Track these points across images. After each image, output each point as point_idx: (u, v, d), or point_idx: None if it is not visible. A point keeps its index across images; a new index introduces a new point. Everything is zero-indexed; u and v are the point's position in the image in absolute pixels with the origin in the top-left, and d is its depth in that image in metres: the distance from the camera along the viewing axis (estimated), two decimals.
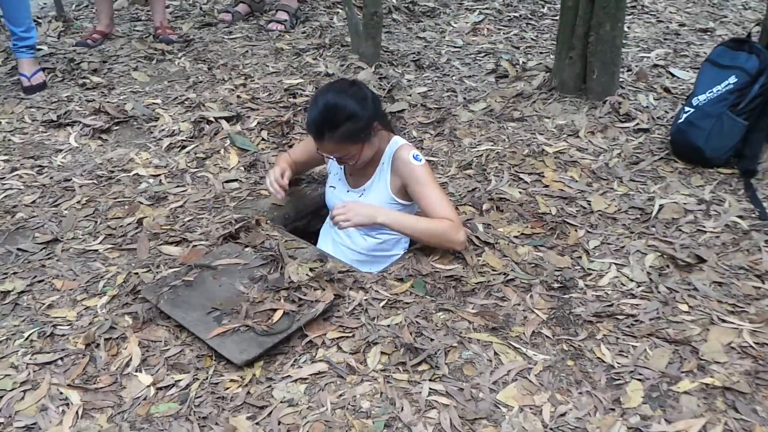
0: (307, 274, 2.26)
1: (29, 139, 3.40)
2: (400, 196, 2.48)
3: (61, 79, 4.04)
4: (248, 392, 1.89)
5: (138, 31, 4.83)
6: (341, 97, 2.32)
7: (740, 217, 2.58)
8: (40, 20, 4.97)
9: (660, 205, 2.65)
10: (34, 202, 2.87)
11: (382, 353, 2.01)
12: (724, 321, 2.10)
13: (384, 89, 3.64)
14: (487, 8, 5.12)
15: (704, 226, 2.54)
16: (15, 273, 2.42)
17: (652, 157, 3.00)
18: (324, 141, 2.33)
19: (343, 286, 2.26)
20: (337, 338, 2.07)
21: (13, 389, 1.92)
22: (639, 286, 2.28)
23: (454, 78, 3.94)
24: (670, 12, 4.87)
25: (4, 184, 3.00)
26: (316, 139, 2.37)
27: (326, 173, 2.76)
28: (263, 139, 3.31)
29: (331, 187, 2.67)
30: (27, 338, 2.11)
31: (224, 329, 2.04)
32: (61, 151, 3.29)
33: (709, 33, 4.47)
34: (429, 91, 3.76)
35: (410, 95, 3.66)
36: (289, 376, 1.95)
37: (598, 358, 2.00)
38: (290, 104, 3.58)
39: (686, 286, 2.25)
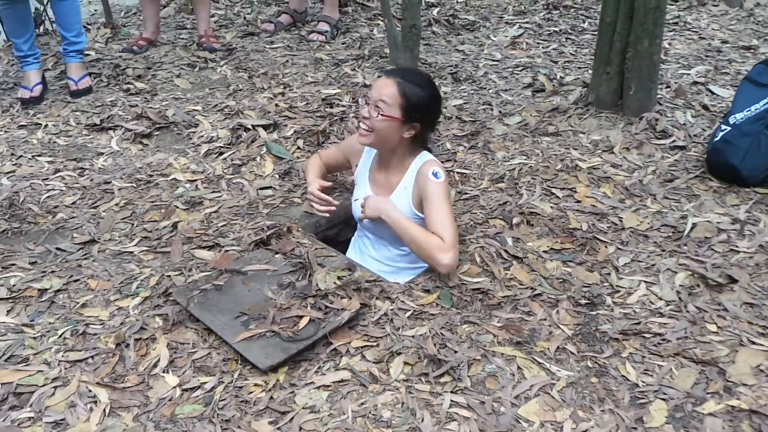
0: (334, 283, 2.28)
1: (73, 142, 3.49)
2: (420, 211, 2.50)
3: (106, 84, 4.14)
4: (271, 397, 1.92)
5: (183, 38, 4.93)
6: (431, 81, 2.55)
7: None
8: (89, 26, 5.10)
9: (693, 224, 2.63)
10: (74, 203, 2.95)
11: (406, 363, 2.03)
12: (753, 343, 2.07)
13: (441, 113, 3.66)
14: (527, 22, 5.12)
15: (737, 246, 2.51)
16: (53, 272, 2.49)
17: (687, 174, 2.97)
18: (390, 79, 2.43)
19: (369, 295, 2.28)
20: (362, 347, 2.09)
21: (44, 385, 1.97)
22: (668, 305, 2.26)
23: (490, 91, 3.94)
24: (713, 29, 4.81)
25: (48, 184, 3.09)
26: (386, 74, 2.47)
27: (354, 182, 2.79)
28: (299, 148, 3.36)
29: (356, 200, 2.69)
30: (60, 336, 2.17)
31: (251, 334, 2.08)
32: (102, 154, 3.37)
33: (752, 51, 4.41)
34: (465, 103, 3.77)
35: (446, 107, 3.68)
36: (312, 382, 1.97)
37: (623, 376, 1.99)
38: (327, 114, 3.62)
39: (716, 307, 2.23)
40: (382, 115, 2.40)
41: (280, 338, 2.06)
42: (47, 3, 4.83)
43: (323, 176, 2.86)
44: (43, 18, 5.01)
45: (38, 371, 2.03)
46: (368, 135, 2.48)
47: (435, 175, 2.43)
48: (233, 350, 2.07)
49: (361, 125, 2.49)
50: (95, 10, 6.09)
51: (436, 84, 2.57)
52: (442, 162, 3.11)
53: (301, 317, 2.14)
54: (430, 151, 2.61)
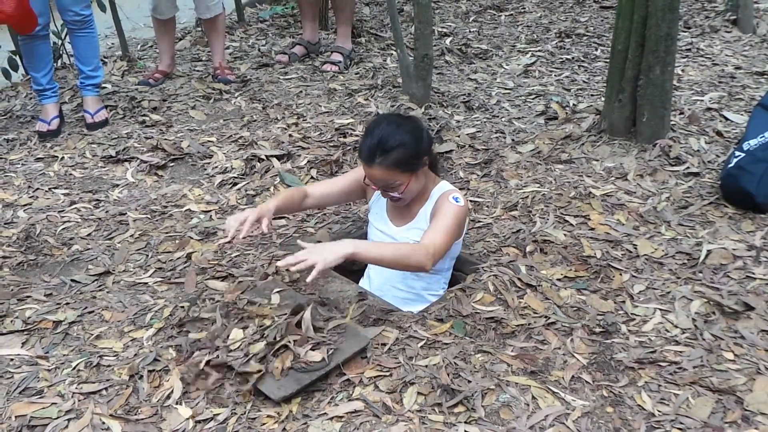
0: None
1: (89, 174, 3.53)
2: None
3: (122, 116, 4.19)
4: (284, 428, 1.91)
5: (198, 71, 4.99)
6: (397, 125, 2.42)
7: None
8: (106, 59, 5.17)
9: (708, 251, 2.61)
10: (89, 234, 2.98)
11: (419, 393, 2.01)
12: None
13: (433, 130, 3.67)
14: (539, 50, 5.15)
15: (753, 273, 2.48)
16: (67, 303, 2.51)
17: (701, 201, 2.95)
18: (374, 165, 2.36)
19: (382, 325, 2.28)
20: (375, 377, 2.08)
21: (58, 417, 1.98)
22: (683, 333, 2.23)
23: (503, 119, 3.96)
24: (726, 55, 4.81)
25: (63, 216, 3.12)
26: (366, 162, 2.39)
27: (368, 211, 2.79)
28: (312, 178, 3.37)
29: (374, 226, 2.70)
30: (74, 368, 2.18)
31: (260, 367, 2.07)
32: (118, 185, 3.41)
33: (766, 76, 4.39)
34: (478, 132, 3.78)
35: (459, 136, 3.69)
36: (325, 413, 1.96)
37: (639, 405, 1.97)
38: (340, 143, 3.64)
39: (732, 334, 2.20)
40: (400, 192, 2.42)
41: (293, 369, 2.06)
42: (65, 37, 4.91)
43: (293, 208, 2.73)
44: (61, 52, 5.09)
45: (52, 404, 2.03)
46: (401, 201, 2.51)
47: (455, 199, 2.45)
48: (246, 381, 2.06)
49: (392, 200, 2.53)
50: (112, 44, 6.18)
51: (414, 121, 2.51)
52: None
53: (314, 348, 2.13)
54: (439, 174, 2.62)
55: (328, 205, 2.93)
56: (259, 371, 2.04)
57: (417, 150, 2.40)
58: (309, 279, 2.12)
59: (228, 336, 2.18)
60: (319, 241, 2.84)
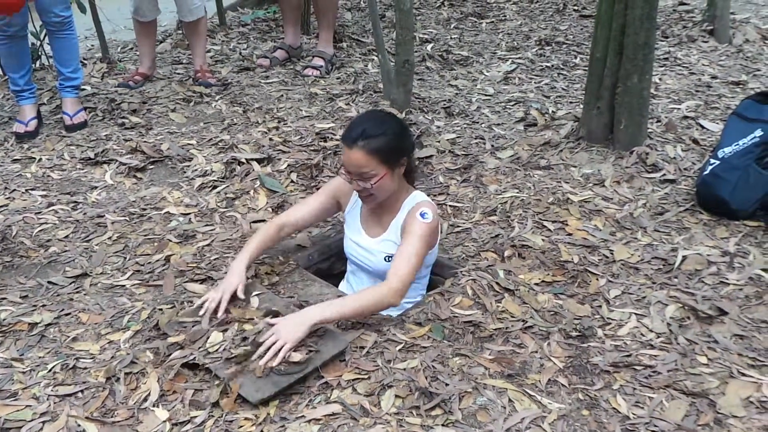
0: None
1: (67, 176, 3.51)
2: None
3: (101, 118, 4.17)
4: (261, 431, 1.91)
5: (179, 73, 4.97)
6: (385, 118, 2.50)
7: (765, 270, 2.55)
8: (85, 61, 5.14)
9: (683, 256, 2.64)
10: (67, 236, 2.96)
11: (397, 396, 2.02)
12: (743, 375, 2.07)
13: (413, 135, 3.68)
14: (519, 58, 5.18)
15: (727, 279, 2.52)
16: (44, 305, 2.49)
17: (677, 208, 2.99)
18: (355, 148, 2.35)
19: (361, 328, 2.29)
20: (353, 380, 2.09)
21: (32, 420, 1.96)
22: (658, 337, 2.26)
23: (483, 125, 3.98)
24: (703, 64, 4.87)
25: (41, 218, 3.09)
26: (348, 144, 2.37)
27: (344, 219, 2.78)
28: (292, 181, 3.38)
29: (348, 238, 2.69)
30: (50, 370, 2.16)
31: (241, 367, 2.07)
32: (96, 188, 3.39)
33: (741, 86, 4.46)
34: (458, 137, 3.80)
35: (439, 141, 3.71)
36: (303, 416, 1.96)
37: (614, 408, 1.98)
38: (321, 148, 3.64)
39: (706, 339, 2.23)
40: (373, 183, 2.39)
41: (271, 371, 2.06)
42: (44, 38, 4.88)
43: (271, 245, 2.67)
44: (40, 53, 5.05)
45: (26, 406, 2.02)
46: (371, 198, 2.47)
47: (422, 215, 2.42)
48: (224, 384, 2.06)
49: (361, 195, 2.48)
50: (92, 45, 6.14)
51: (399, 119, 2.55)
52: (435, 195, 3.14)
53: (292, 351, 2.13)
54: (413, 184, 2.63)
55: (306, 227, 2.87)
56: (236, 372, 2.04)
57: (399, 145, 2.42)
58: (276, 362, 2.08)
59: (207, 339, 2.18)
60: (300, 245, 2.85)
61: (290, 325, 2.15)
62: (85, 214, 3.12)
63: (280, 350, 2.09)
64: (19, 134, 3.93)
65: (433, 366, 2.13)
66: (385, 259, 2.52)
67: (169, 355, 2.18)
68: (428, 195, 3.04)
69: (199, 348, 2.17)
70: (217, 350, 2.15)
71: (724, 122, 3.57)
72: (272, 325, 2.18)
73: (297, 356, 2.10)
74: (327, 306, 2.24)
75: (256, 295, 2.38)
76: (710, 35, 5.41)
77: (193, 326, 2.28)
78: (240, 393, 2.01)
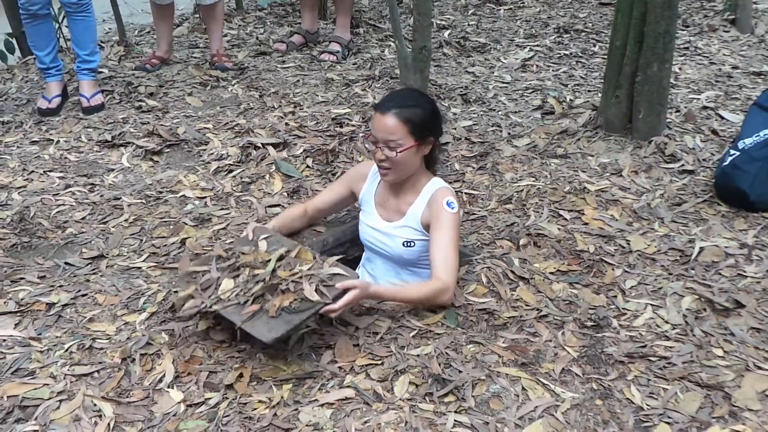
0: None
1: (84, 158, 3.52)
2: (427, 230, 2.49)
3: (118, 101, 4.18)
4: (275, 414, 1.92)
5: (195, 57, 4.98)
6: (420, 94, 2.55)
7: None
8: (103, 44, 5.16)
9: (701, 248, 2.62)
10: (84, 218, 2.97)
11: (410, 383, 2.02)
12: (759, 368, 2.06)
13: (445, 121, 3.67)
14: (537, 45, 5.15)
15: (745, 271, 2.50)
16: (61, 286, 2.51)
17: (695, 199, 2.96)
18: (387, 113, 2.37)
19: (375, 314, 2.29)
20: (366, 365, 2.09)
21: (50, 398, 1.98)
22: (674, 329, 2.25)
23: (499, 113, 3.96)
24: (724, 54, 4.82)
25: (58, 200, 3.11)
26: (381, 110, 2.39)
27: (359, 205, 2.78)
28: (308, 166, 3.38)
29: (363, 223, 2.69)
30: (67, 350, 2.18)
31: (255, 308, 2.09)
32: (113, 170, 3.40)
33: (762, 76, 4.41)
34: (474, 125, 3.78)
35: (455, 128, 3.70)
36: (316, 400, 1.97)
37: (628, 399, 1.98)
38: (336, 133, 3.64)
39: (722, 331, 2.22)
40: (399, 152, 2.38)
41: (283, 311, 2.06)
42: (62, 20, 4.89)
43: (292, 227, 2.74)
44: (58, 36, 5.07)
45: (44, 384, 2.04)
46: (391, 172, 2.46)
47: (449, 205, 2.42)
48: (238, 359, 2.08)
49: (381, 166, 2.46)
50: (109, 29, 6.16)
51: (434, 101, 2.57)
52: (450, 182, 3.12)
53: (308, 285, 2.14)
54: (435, 171, 2.62)
55: (328, 213, 2.89)
56: (249, 315, 2.08)
57: (430, 120, 2.44)
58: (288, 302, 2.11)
59: (219, 286, 2.20)
60: (315, 230, 2.85)
61: (359, 295, 2.18)
62: (101, 196, 3.14)
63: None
64: (41, 109, 3.99)
65: (446, 353, 2.13)
66: (404, 245, 2.52)
67: (186, 336, 2.19)
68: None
69: (210, 296, 2.19)
70: (229, 297, 2.16)
71: (745, 113, 3.55)
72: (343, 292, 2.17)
73: (310, 292, 2.11)
74: (385, 288, 2.30)
75: (264, 238, 2.39)
76: (732, 25, 5.35)
77: (203, 276, 2.29)
78: (253, 334, 2.03)
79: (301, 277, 2.17)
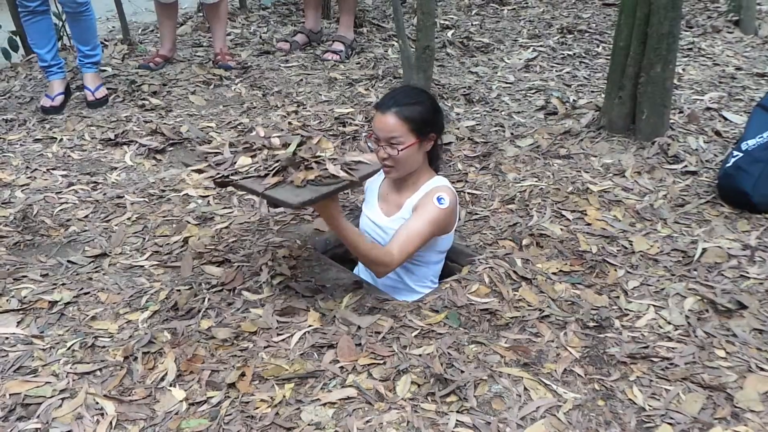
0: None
1: (87, 156, 3.53)
2: None
3: (121, 99, 4.19)
4: (277, 413, 1.92)
5: (199, 56, 4.98)
6: (420, 91, 2.55)
7: None
8: (106, 43, 5.17)
9: (703, 249, 2.62)
10: (86, 216, 2.98)
11: (412, 382, 2.02)
12: (762, 369, 2.06)
13: (445, 117, 3.68)
14: (541, 45, 5.15)
15: (748, 272, 2.50)
16: (63, 284, 2.51)
17: (698, 200, 2.96)
18: (387, 113, 2.38)
19: (377, 314, 2.29)
20: (368, 365, 2.09)
21: (52, 396, 1.98)
22: (676, 330, 2.25)
23: (503, 113, 3.96)
24: (727, 56, 4.82)
25: (61, 198, 3.12)
26: (381, 109, 2.41)
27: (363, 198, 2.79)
28: None
29: (364, 214, 2.71)
30: (69, 348, 2.18)
31: (280, 178, 2.07)
32: (116, 168, 3.40)
33: (766, 78, 4.40)
34: (477, 125, 3.78)
35: (458, 128, 3.70)
36: (318, 399, 1.97)
37: (630, 399, 1.98)
38: (339, 132, 3.64)
39: (725, 332, 2.22)
40: (400, 150, 2.39)
41: (309, 183, 2.05)
42: (65, 19, 4.90)
43: None
44: (61, 34, 5.08)
45: (46, 383, 2.04)
46: (393, 170, 2.47)
47: (439, 200, 2.44)
48: (241, 357, 2.07)
49: (384, 164, 2.45)
50: (113, 27, 6.17)
51: (434, 97, 2.58)
52: (453, 182, 3.12)
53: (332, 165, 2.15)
54: (437, 170, 2.63)
55: None
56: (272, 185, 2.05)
57: (431, 117, 2.45)
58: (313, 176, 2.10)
59: (235, 163, 2.17)
60: (317, 229, 2.85)
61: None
62: (104, 194, 3.14)
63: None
64: (44, 108, 4.00)
65: (448, 353, 2.12)
66: None
67: (188, 335, 2.19)
68: None
69: (227, 168, 2.16)
70: (247, 171, 2.12)
71: (748, 114, 3.53)
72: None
73: (335, 170, 2.10)
74: (348, 227, 2.25)
75: (276, 136, 2.34)
76: (735, 26, 5.35)
77: (215, 156, 2.26)
78: (279, 198, 2.01)
79: (324, 159, 2.15)
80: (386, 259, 2.31)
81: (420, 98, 2.45)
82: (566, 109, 3.92)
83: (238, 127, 3.75)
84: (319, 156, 2.17)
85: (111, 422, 1.90)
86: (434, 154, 2.58)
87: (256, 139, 2.29)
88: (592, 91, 4.24)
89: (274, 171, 2.09)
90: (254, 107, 4.03)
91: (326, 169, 2.10)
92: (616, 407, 1.95)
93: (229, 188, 3.16)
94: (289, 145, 2.21)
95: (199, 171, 2.21)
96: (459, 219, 2.80)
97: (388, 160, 2.43)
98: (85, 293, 2.47)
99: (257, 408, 1.94)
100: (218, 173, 2.14)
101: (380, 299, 2.38)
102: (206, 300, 2.38)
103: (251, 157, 2.18)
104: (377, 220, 2.61)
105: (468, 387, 1.99)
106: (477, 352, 2.14)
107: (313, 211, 2.95)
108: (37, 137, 3.73)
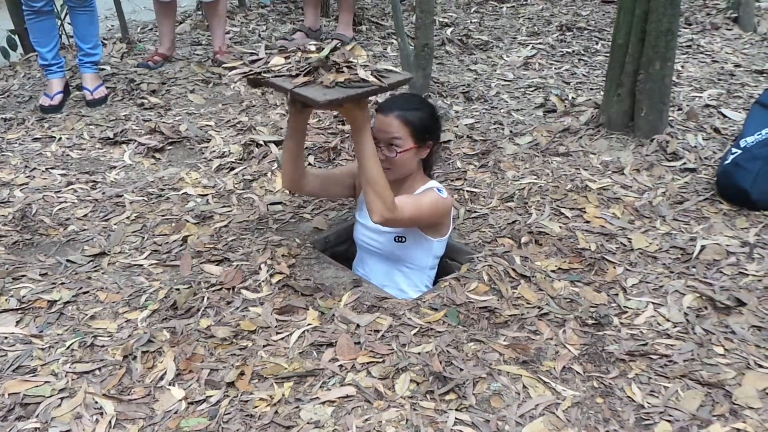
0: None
1: (86, 155, 3.53)
2: (423, 230, 2.54)
3: (120, 98, 4.19)
4: (276, 412, 1.92)
5: (198, 54, 4.98)
6: (422, 99, 2.65)
7: None
8: (105, 41, 5.16)
9: (702, 246, 2.62)
10: (85, 215, 2.98)
11: (411, 381, 2.02)
12: (760, 366, 2.06)
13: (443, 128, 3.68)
14: (540, 43, 5.15)
15: (746, 269, 2.50)
16: (62, 283, 2.51)
17: (697, 197, 2.96)
18: (389, 116, 2.40)
19: (376, 312, 2.29)
20: (367, 363, 2.09)
21: (51, 396, 1.98)
22: (675, 327, 2.25)
23: (502, 111, 3.96)
24: (726, 52, 4.82)
25: (60, 197, 3.12)
26: (383, 112, 2.43)
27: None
28: (310, 164, 3.38)
29: (358, 221, 2.71)
30: (68, 347, 2.18)
31: (310, 78, 2.12)
32: (115, 167, 3.40)
33: (765, 75, 4.41)
34: (476, 123, 3.78)
35: (457, 126, 3.69)
36: (317, 398, 1.97)
37: (628, 397, 1.98)
38: (338, 131, 3.64)
39: (723, 329, 2.22)
40: (399, 152, 2.42)
41: (338, 85, 2.10)
42: (65, 17, 4.90)
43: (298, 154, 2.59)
44: (60, 33, 5.07)
45: (45, 382, 2.04)
46: (389, 172, 2.45)
47: (438, 190, 2.49)
48: (240, 356, 2.07)
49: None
50: (112, 26, 6.16)
51: (435, 102, 2.60)
52: (452, 180, 3.13)
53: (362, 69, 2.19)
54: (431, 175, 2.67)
55: (319, 192, 2.80)
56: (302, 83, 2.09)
57: (431, 125, 2.49)
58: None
59: (269, 63, 2.22)
60: (317, 228, 2.85)
61: (360, 116, 2.22)
62: (103, 193, 3.14)
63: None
64: (43, 107, 4.00)
65: (447, 351, 2.13)
66: (395, 240, 2.56)
67: (188, 334, 2.19)
68: (445, 179, 3.06)
69: (260, 66, 2.20)
70: (279, 70, 2.17)
71: (747, 111, 3.54)
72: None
73: (366, 74, 2.14)
74: (369, 141, 2.27)
75: (313, 43, 2.39)
76: (734, 23, 5.35)
77: (250, 56, 2.31)
78: (307, 95, 2.05)
79: (355, 65, 2.19)
80: (390, 198, 2.29)
81: (422, 105, 2.50)
82: (565, 106, 3.92)
83: (237, 125, 3.75)
84: (351, 61, 2.22)
85: (110, 421, 1.90)
86: (429, 161, 2.62)
87: (292, 44, 2.37)
88: (591, 89, 4.24)
89: (305, 71, 2.15)
90: (253, 105, 4.03)
91: (356, 73, 2.16)
92: (615, 404, 1.95)
93: (229, 187, 3.17)
94: (323, 49, 2.26)
95: (232, 68, 2.26)
96: (455, 220, 2.81)
97: (385, 162, 2.43)
98: (84, 292, 2.47)
99: (256, 407, 1.94)
100: (251, 70, 2.19)
101: (379, 297, 2.38)
102: (205, 299, 2.38)
103: (285, 58, 2.25)
104: (370, 225, 2.60)
105: (467, 385, 2.00)
106: (476, 350, 2.14)
107: (313, 209, 2.95)
108: (35, 136, 3.73)
